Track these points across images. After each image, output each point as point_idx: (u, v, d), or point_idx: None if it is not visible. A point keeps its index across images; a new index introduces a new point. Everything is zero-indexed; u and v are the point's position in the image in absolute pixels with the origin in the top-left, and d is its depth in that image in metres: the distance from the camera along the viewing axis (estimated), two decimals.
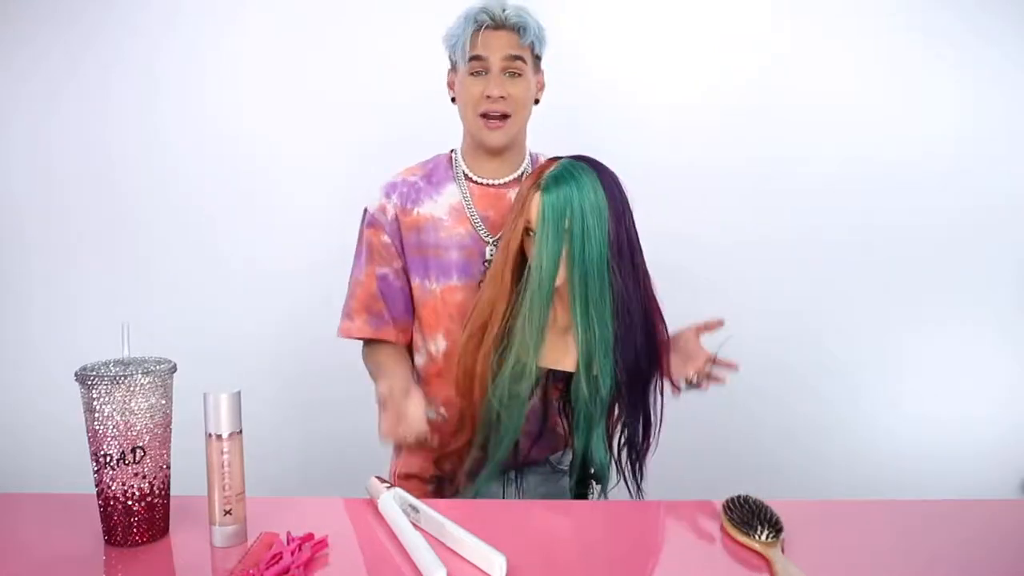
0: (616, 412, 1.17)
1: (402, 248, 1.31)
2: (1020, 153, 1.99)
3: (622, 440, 1.17)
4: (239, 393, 0.89)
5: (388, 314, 1.32)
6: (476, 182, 1.31)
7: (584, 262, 1.08)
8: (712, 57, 1.99)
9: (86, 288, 2.08)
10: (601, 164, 1.13)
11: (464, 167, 1.32)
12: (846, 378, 2.05)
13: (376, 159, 2.00)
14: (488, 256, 1.28)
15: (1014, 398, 2.04)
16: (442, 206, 1.30)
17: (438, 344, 1.30)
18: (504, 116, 1.24)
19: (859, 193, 2.01)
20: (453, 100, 1.32)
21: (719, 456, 1.98)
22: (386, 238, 1.31)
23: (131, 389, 0.86)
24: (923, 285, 2.02)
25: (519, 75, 1.25)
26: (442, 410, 1.31)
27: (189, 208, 2.06)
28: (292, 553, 0.83)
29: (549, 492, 1.31)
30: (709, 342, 1.12)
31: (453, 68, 1.31)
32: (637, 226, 1.14)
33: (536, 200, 1.09)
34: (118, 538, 0.88)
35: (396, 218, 1.30)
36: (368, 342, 1.35)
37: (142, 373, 0.87)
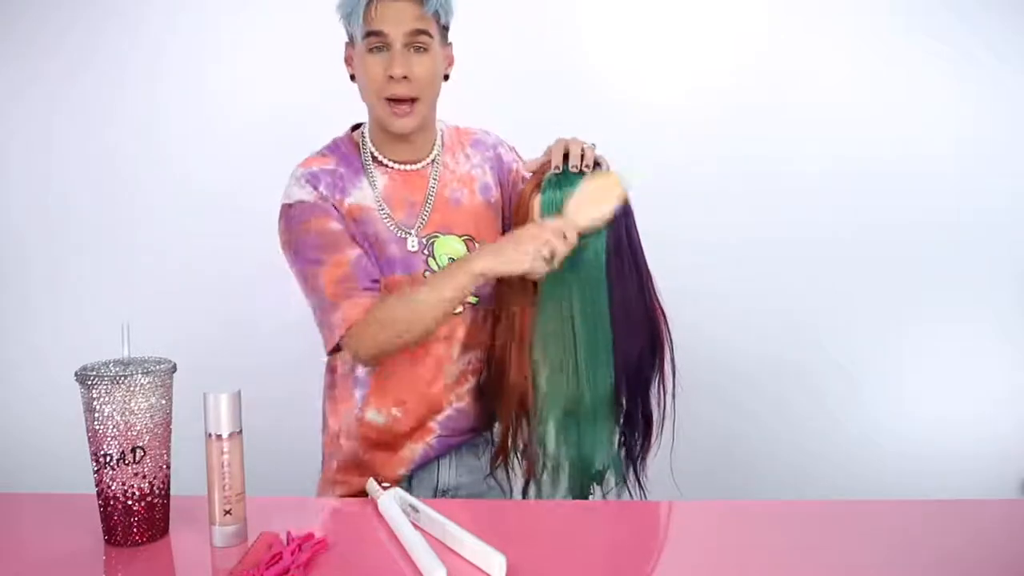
0: (617, 412, 1.17)
1: (351, 238, 1.15)
2: (1020, 153, 1.99)
3: (623, 441, 1.17)
4: (239, 393, 0.89)
5: (373, 283, 1.14)
6: (391, 167, 1.19)
7: (584, 263, 1.08)
8: (708, 55, 1.99)
9: (86, 288, 2.08)
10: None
11: (374, 150, 1.19)
12: (846, 378, 2.05)
13: None
14: (411, 247, 1.17)
15: (1014, 398, 2.03)
16: (369, 195, 1.17)
17: None
18: (412, 100, 1.12)
19: (858, 192, 2.00)
20: (352, 78, 1.18)
21: (718, 456, 1.98)
22: (336, 224, 1.14)
23: (131, 389, 0.86)
24: (923, 284, 2.02)
25: (425, 50, 1.11)
26: (394, 411, 1.20)
27: (190, 208, 2.06)
28: (292, 553, 0.83)
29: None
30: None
31: (351, 41, 1.16)
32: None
33: (537, 202, 1.09)
34: (118, 538, 0.88)
35: (335, 206, 1.15)
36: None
37: (142, 373, 0.87)
